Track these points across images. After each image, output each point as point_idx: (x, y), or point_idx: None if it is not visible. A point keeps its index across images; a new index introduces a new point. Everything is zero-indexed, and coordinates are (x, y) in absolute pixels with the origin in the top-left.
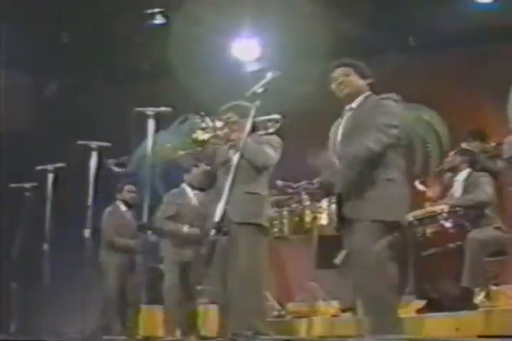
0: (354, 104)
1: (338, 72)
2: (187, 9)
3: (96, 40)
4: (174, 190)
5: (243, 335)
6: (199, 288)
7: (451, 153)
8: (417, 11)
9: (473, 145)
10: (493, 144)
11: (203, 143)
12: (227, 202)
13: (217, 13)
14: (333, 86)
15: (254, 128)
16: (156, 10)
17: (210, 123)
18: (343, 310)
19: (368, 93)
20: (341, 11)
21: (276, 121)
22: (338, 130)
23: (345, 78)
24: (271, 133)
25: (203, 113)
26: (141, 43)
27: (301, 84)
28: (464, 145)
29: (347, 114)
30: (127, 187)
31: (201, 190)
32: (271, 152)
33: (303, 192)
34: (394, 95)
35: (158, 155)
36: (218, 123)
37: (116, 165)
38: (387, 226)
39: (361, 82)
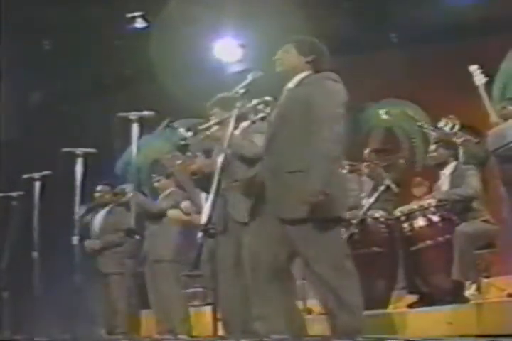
0: (291, 84)
1: (282, 48)
2: (168, 12)
3: (78, 46)
4: None
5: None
6: (190, 291)
7: (433, 147)
8: (397, 8)
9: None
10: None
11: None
12: (213, 205)
13: (199, 16)
14: None
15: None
16: (137, 14)
17: (185, 134)
18: None
19: (307, 72)
20: (323, 9)
21: (266, 104)
22: (273, 111)
23: (283, 55)
24: (262, 118)
25: (176, 125)
26: (123, 48)
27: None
28: (441, 123)
29: (283, 94)
30: (98, 187)
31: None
32: (259, 140)
33: None
34: (333, 74)
35: (143, 156)
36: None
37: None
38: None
39: (299, 60)
